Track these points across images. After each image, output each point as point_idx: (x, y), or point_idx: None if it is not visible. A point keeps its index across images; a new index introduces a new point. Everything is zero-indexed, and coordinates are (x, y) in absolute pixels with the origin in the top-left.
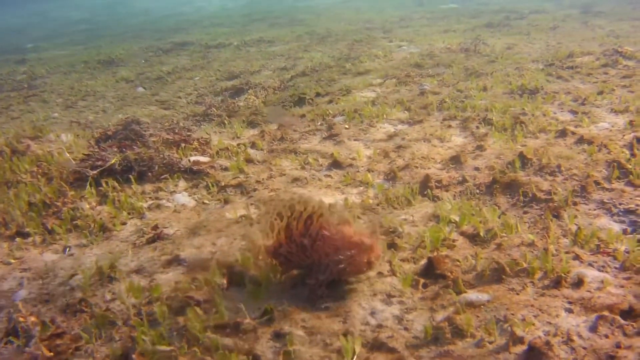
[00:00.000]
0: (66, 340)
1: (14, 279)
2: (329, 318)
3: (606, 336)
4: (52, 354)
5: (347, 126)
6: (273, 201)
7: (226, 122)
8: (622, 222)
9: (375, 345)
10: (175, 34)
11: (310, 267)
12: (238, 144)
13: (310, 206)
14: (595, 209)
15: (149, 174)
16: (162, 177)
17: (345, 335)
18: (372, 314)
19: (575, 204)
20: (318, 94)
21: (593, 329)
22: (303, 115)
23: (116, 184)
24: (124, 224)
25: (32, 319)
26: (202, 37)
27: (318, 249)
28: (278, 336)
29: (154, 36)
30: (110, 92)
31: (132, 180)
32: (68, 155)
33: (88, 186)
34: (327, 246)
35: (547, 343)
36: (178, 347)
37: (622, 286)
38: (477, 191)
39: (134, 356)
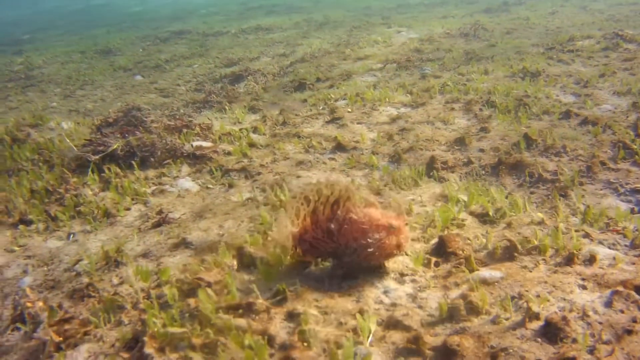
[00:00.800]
0: (75, 325)
1: (18, 267)
2: (342, 297)
3: (622, 311)
4: (61, 338)
5: (349, 110)
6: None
7: (227, 108)
8: (629, 201)
9: (391, 324)
10: (172, 23)
11: (335, 253)
12: (240, 129)
13: (337, 189)
14: (602, 189)
15: (152, 159)
16: (165, 162)
17: (361, 313)
18: (386, 292)
19: (581, 184)
20: (318, 79)
21: (608, 304)
22: (304, 100)
23: (119, 170)
24: (128, 209)
25: (40, 304)
26: (199, 25)
27: (345, 233)
28: (292, 316)
29: (150, 25)
30: (109, 81)
31: (135, 166)
32: (69, 142)
33: (90, 172)
34: (355, 230)
35: (564, 318)
36: (190, 329)
37: (633, 263)
38: (483, 172)
39: (145, 339)
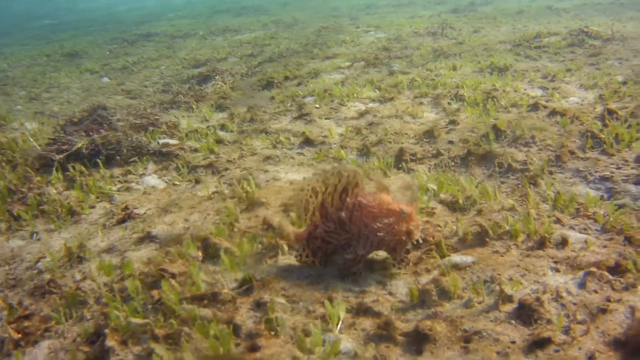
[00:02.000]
0: (35, 321)
1: None
2: (310, 285)
3: (595, 291)
4: (20, 335)
5: (317, 106)
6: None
7: (194, 106)
8: (599, 189)
9: (361, 310)
10: (139, 26)
11: (349, 244)
12: (207, 126)
13: (345, 177)
14: (571, 177)
15: (117, 157)
16: (131, 160)
17: (330, 300)
18: (354, 280)
19: (551, 172)
20: (287, 78)
21: (582, 285)
22: (272, 98)
23: (84, 169)
24: (93, 207)
25: None
26: (167, 28)
27: (356, 220)
28: (258, 305)
29: (118, 29)
30: (75, 83)
31: (100, 164)
32: (33, 141)
33: (54, 171)
34: (365, 215)
35: (538, 300)
36: (153, 320)
37: (605, 246)
38: (452, 163)
39: (106, 331)
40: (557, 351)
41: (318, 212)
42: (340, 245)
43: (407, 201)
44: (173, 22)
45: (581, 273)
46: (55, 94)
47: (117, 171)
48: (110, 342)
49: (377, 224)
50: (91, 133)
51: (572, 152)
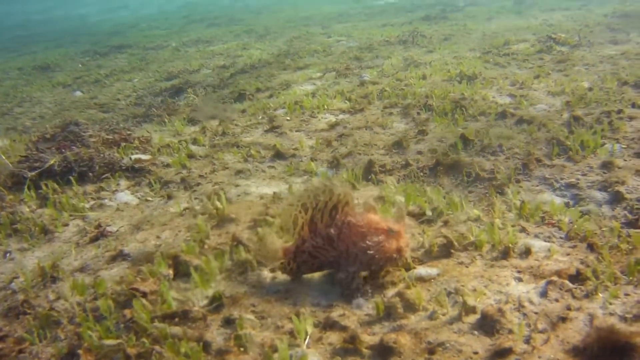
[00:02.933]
0: (9, 343)
1: None
2: (279, 301)
3: (556, 300)
4: None
5: (288, 118)
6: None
7: (167, 120)
8: (564, 196)
9: (328, 325)
10: (112, 37)
11: (337, 262)
12: (179, 141)
13: (336, 194)
14: (538, 185)
15: (90, 174)
16: (104, 176)
17: (297, 315)
18: (323, 294)
19: (518, 181)
20: (258, 90)
21: (543, 294)
22: (244, 111)
23: (56, 186)
24: (66, 225)
25: None
26: (139, 39)
27: (345, 238)
28: (228, 322)
29: (90, 40)
30: (47, 97)
31: (73, 181)
32: (4, 158)
33: (27, 189)
34: (354, 234)
35: (500, 310)
36: (126, 339)
37: (568, 254)
38: (421, 174)
39: (80, 352)
40: None
41: (307, 227)
42: (328, 262)
43: (394, 219)
44: (146, 33)
45: (543, 282)
46: (27, 108)
47: (90, 188)
48: None
49: (367, 242)
50: (63, 150)
51: (538, 160)
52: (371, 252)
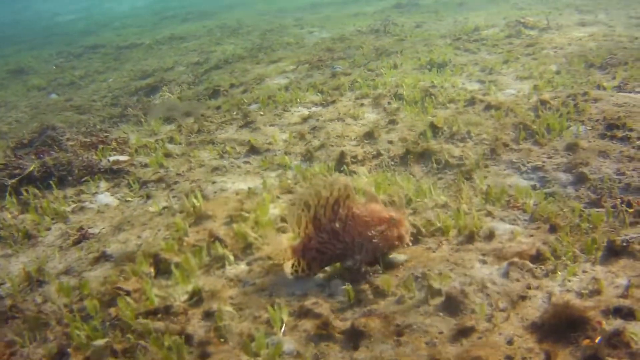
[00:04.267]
0: (0, 347)
1: None
2: (256, 293)
3: (517, 280)
4: None
5: (262, 113)
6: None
7: (143, 120)
8: (531, 179)
9: (302, 313)
10: (85, 37)
11: (344, 254)
12: (156, 140)
13: (336, 189)
14: (505, 169)
15: (69, 177)
16: (83, 179)
17: (272, 306)
18: (298, 285)
19: (486, 166)
20: (232, 85)
21: (505, 275)
22: (218, 107)
23: (37, 191)
24: (49, 229)
25: None
26: (113, 38)
27: (350, 230)
28: (208, 315)
29: (64, 41)
30: (23, 101)
31: (53, 185)
32: None
33: (8, 196)
34: (359, 225)
35: (462, 292)
36: (112, 336)
37: (531, 235)
38: (392, 163)
39: (69, 350)
40: (480, 338)
41: (311, 224)
42: (335, 255)
43: (395, 208)
44: (119, 32)
45: (505, 264)
46: (2, 113)
47: (70, 191)
48: None
49: (372, 231)
50: (42, 155)
51: (506, 145)
52: (376, 240)
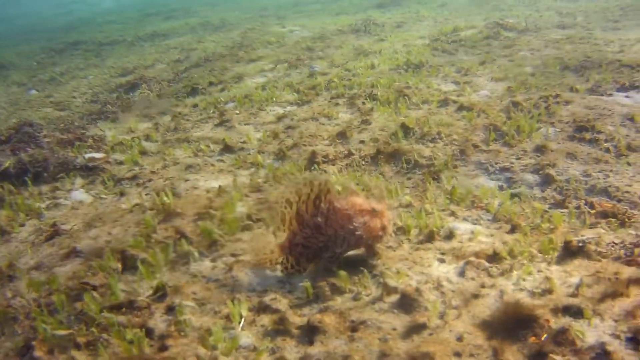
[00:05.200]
0: None
1: None
2: (218, 288)
3: (472, 279)
4: None
5: (237, 112)
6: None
7: (121, 117)
8: (499, 179)
9: (261, 308)
10: (67, 33)
11: (327, 246)
12: (132, 138)
13: (317, 185)
14: (473, 170)
15: (45, 174)
16: (59, 176)
17: (231, 301)
18: (258, 281)
19: (455, 166)
20: (211, 83)
21: (461, 273)
22: (195, 105)
23: (12, 188)
24: (23, 225)
25: None
26: (95, 35)
27: (332, 224)
28: (171, 309)
29: (45, 37)
30: (2, 97)
31: (29, 182)
32: None
33: None
34: (340, 218)
35: (417, 290)
36: (77, 330)
37: (492, 235)
38: (363, 163)
39: (34, 343)
40: (430, 334)
41: (295, 220)
42: (319, 247)
43: (376, 199)
44: (102, 28)
45: (462, 263)
46: None
47: (45, 188)
48: (38, 353)
49: (354, 224)
50: (18, 152)
51: (475, 146)
52: (358, 232)
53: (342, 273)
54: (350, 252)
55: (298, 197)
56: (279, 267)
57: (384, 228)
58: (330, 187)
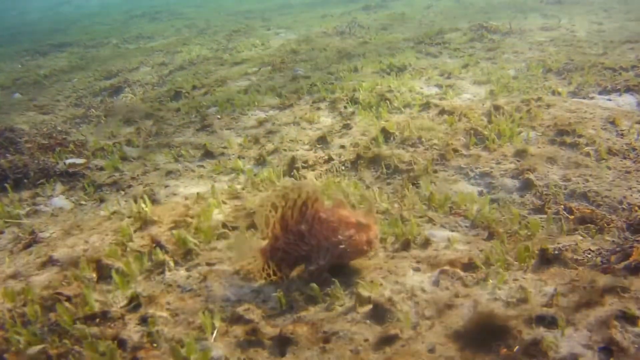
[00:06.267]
0: None
1: None
2: (192, 298)
3: (447, 288)
4: None
5: (219, 116)
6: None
7: (103, 121)
8: (478, 184)
9: (234, 319)
10: (53, 35)
11: (309, 256)
12: (114, 143)
13: (305, 192)
14: (453, 175)
15: (25, 180)
16: (39, 182)
17: (204, 312)
18: (232, 291)
19: (435, 171)
20: (195, 87)
21: (436, 283)
22: (178, 109)
23: None
24: (2, 232)
25: None
26: (80, 37)
27: (316, 234)
28: (145, 320)
29: (30, 38)
30: None
31: (9, 188)
32: None
33: None
34: (325, 229)
35: (390, 300)
36: (50, 342)
37: (469, 242)
38: (343, 168)
39: (6, 356)
40: (403, 346)
41: (278, 224)
42: (300, 256)
43: (364, 213)
44: (87, 30)
45: (437, 271)
46: None
47: (25, 194)
48: None
49: (338, 236)
50: None
51: (456, 150)
52: (343, 245)
53: (314, 286)
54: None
55: (285, 202)
56: (261, 274)
57: (369, 242)
58: (318, 196)
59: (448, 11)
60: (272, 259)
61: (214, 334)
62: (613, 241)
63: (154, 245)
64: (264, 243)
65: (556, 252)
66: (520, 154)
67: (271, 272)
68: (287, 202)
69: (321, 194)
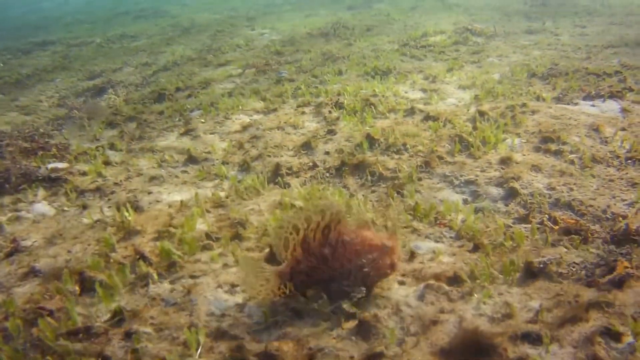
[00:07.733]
0: None
1: None
2: (176, 313)
3: (432, 303)
4: None
5: (203, 120)
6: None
7: (86, 124)
8: (463, 192)
9: (219, 334)
10: (35, 32)
11: (332, 280)
12: (97, 147)
13: (328, 214)
14: (438, 183)
15: (6, 185)
16: (20, 187)
17: (189, 327)
18: (217, 305)
19: (420, 179)
20: (178, 89)
21: (421, 297)
22: (161, 112)
23: None
24: None
25: None
26: (63, 35)
27: (339, 257)
28: (129, 335)
29: (12, 36)
30: None
31: None
32: None
33: None
34: (349, 252)
35: (375, 316)
36: (32, 359)
37: (454, 254)
38: (328, 175)
39: None
40: None
41: (300, 247)
42: (322, 279)
43: (388, 235)
44: (71, 28)
45: (422, 285)
46: None
47: (6, 200)
48: None
49: (362, 260)
50: None
51: (440, 157)
52: (366, 269)
53: (301, 299)
54: None
55: (307, 224)
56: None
57: (392, 265)
58: (342, 217)
59: (432, 12)
60: (293, 281)
61: (199, 350)
62: (597, 254)
63: (138, 256)
64: (282, 266)
65: (541, 265)
66: (505, 161)
67: (287, 291)
68: (310, 225)
69: (345, 216)
